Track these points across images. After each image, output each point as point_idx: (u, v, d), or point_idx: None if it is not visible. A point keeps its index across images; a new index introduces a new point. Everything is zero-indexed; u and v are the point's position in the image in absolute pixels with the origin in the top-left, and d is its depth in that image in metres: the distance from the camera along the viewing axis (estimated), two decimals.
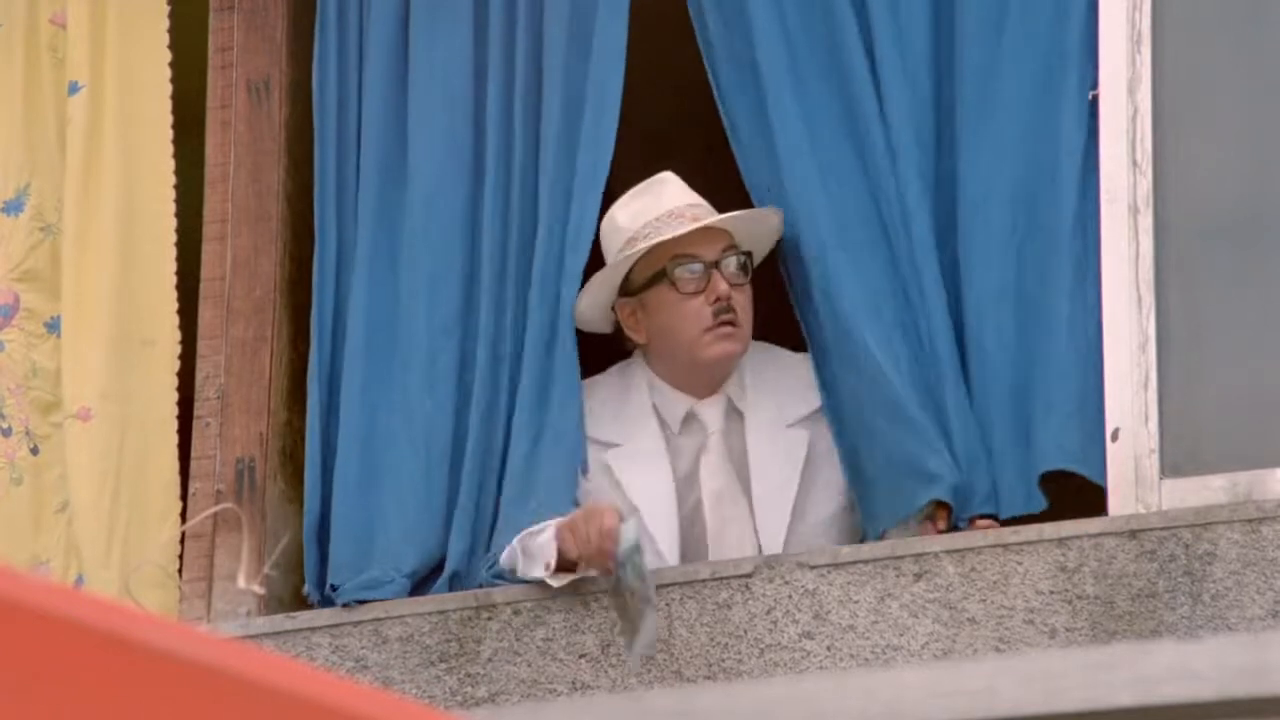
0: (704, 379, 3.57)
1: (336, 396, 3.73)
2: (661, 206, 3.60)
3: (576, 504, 3.50)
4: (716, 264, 3.55)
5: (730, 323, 3.53)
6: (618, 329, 3.64)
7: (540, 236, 3.67)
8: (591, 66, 3.68)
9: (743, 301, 3.54)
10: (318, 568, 3.65)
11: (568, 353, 3.59)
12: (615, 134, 3.64)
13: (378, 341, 3.70)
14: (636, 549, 3.33)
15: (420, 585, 3.59)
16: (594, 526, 3.35)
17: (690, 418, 3.57)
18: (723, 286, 3.53)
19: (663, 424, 3.57)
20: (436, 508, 3.62)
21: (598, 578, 3.43)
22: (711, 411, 3.55)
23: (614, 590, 3.34)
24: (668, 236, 3.55)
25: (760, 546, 3.50)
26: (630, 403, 3.59)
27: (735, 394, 3.57)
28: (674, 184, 3.63)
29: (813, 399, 3.55)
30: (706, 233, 3.56)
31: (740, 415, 3.56)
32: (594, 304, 3.62)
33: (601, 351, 3.72)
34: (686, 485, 3.53)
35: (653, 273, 3.57)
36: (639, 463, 3.54)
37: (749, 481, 3.52)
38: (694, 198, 3.62)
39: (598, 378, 3.64)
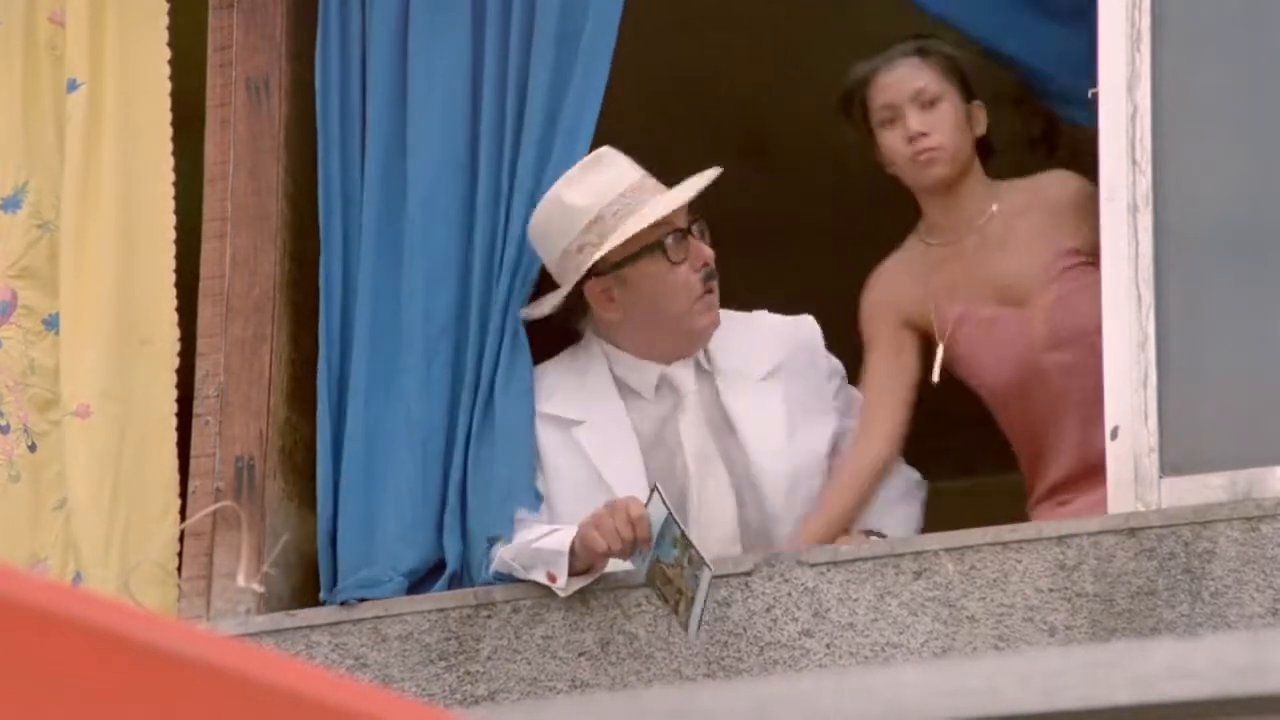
0: (685, 348, 3.58)
1: (343, 397, 3.73)
2: (623, 182, 3.58)
3: (538, 495, 3.51)
4: (689, 230, 3.55)
5: (712, 290, 3.53)
6: (565, 313, 3.61)
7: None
8: (576, 68, 3.68)
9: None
10: (331, 569, 3.66)
11: (521, 342, 3.60)
12: (591, 135, 3.64)
13: (382, 342, 3.71)
14: (670, 521, 3.33)
15: (418, 585, 3.59)
16: (621, 518, 3.34)
17: (663, 382, 3.56)
18: (706, 250, 3.52)
19: (628, 394, 3.56)
20: (432, 508, 3.62)
21: (594, 583, 3.43)
22: (683, 374, 3.56)
23: (653, 574, 3.34)
24: (666, 211, 3.54)
25: (744, 502, 3.51)
26: (588, 379, 3.59)
27: (700, 357, 3.58)
28: (622, 158, 3.61)
29: (777, 354, 3.56)
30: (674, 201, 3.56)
31: (710, 375, 3.56)
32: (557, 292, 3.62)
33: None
34: (666, 449, 3.53)
35: (639, 247, 3.55)
36: (607, 435, 3.54)
37: (725, 440, 3.53)
38: (640, 169, 3.61)
39: (549, 363, 3.64)
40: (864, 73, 3.62)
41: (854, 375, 3.69)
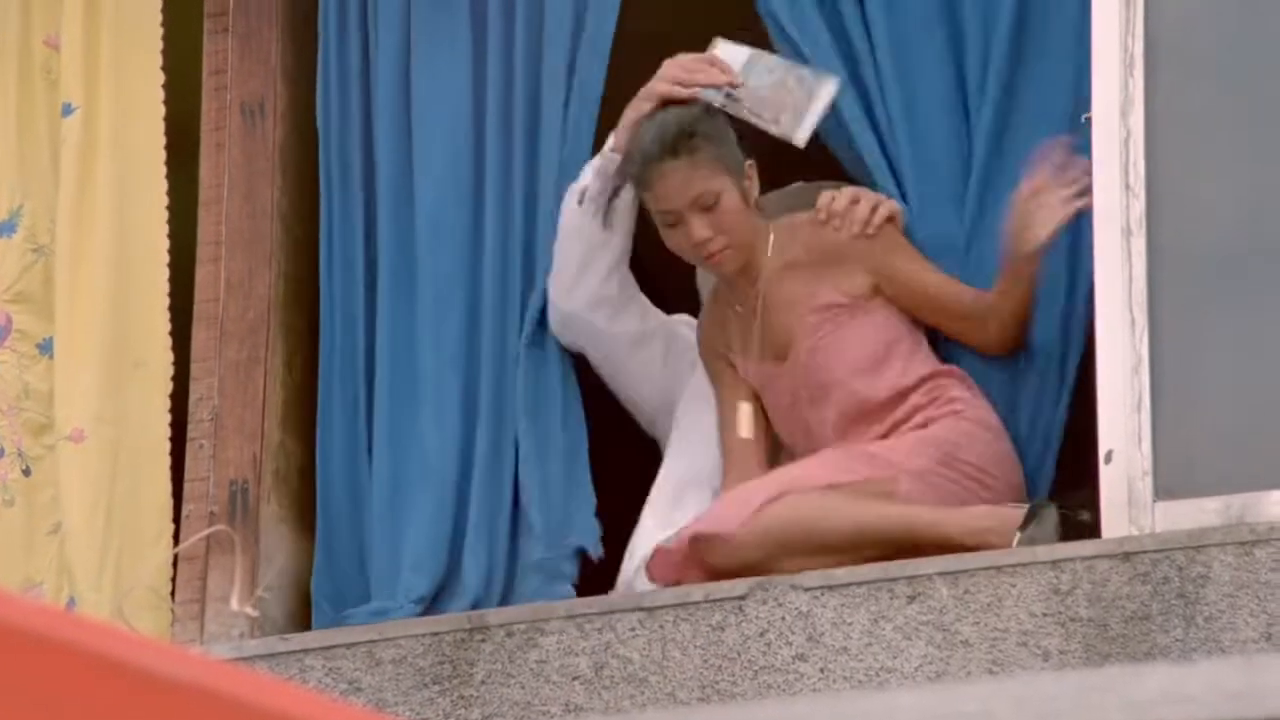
0: None
1: (346, 424, 3.73)
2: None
3: (597, 525, 3.51)
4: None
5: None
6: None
7: (544, 257, 3.68)
8: (573, 86, 3.69)
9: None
10: (335, 595, 3.66)
11: (552, 367, 3.60)
12: (591, 149, 3.65)
13: (400, 372, 3.71)
14: (756, 56, 3.47)
15: (426, 611, 3.60)
16: (689, 64, 3.46)
17: None
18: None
19: None
20: (444, 537, 3.63)
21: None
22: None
23: (736, 105, 3.44)
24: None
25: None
26: None
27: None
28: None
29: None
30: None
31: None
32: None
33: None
34: None
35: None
36: None
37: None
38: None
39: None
40: (636, 175, 3.50)
41: None
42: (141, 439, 3.80)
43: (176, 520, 3.79)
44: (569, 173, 3.68)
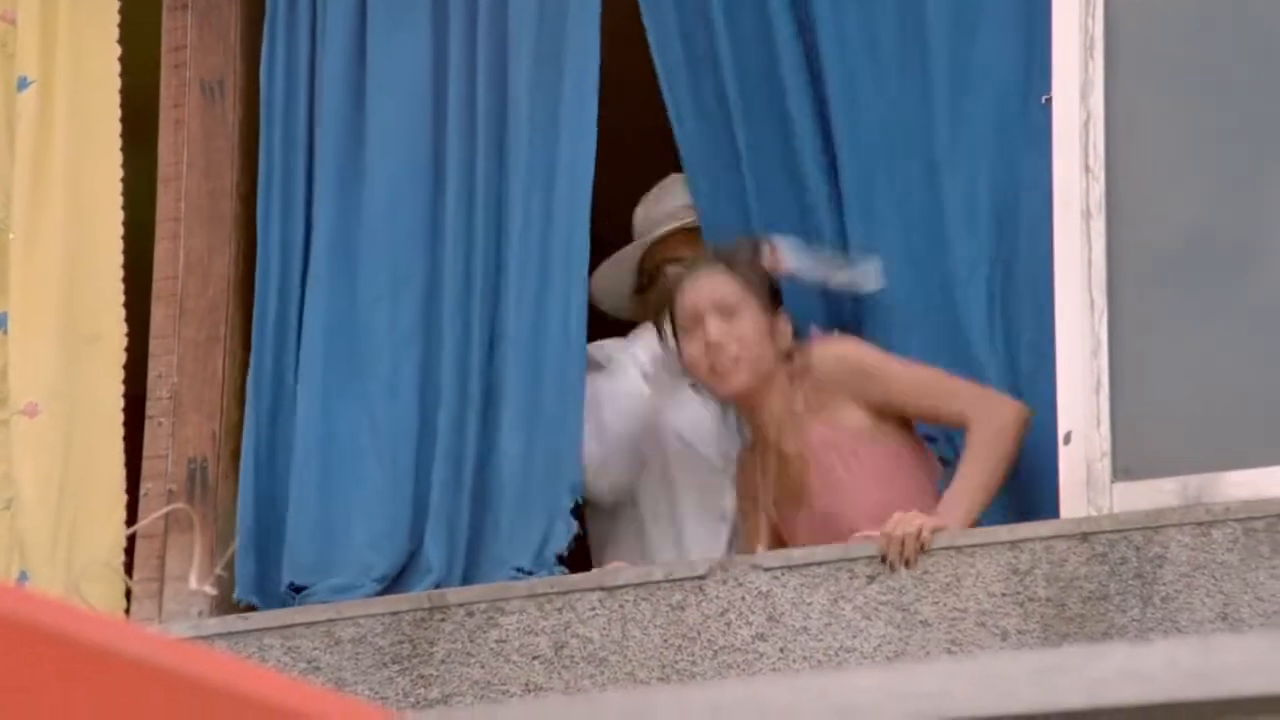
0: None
1: (280, 399, 3.72)
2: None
3: (569, 524, 3.51)
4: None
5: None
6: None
7: (515, 239, 3.65)
8: (566, 65, 3.66)
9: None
10: (254, 571, 3.64)
11: (570, 358, 3.59)
12: (596, 128, 3.63)
13: (337, 347, 3.69)
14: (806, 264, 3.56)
15: (387, 590, 3.59)
16: None
17: None
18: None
19: None
20: (403, 515, 3.62)
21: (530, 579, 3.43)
22: None
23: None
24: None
25: None
26: None
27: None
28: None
29: None
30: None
31: None
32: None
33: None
34: None
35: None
36: None
37: None
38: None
39: None
40: (674, 280, 3.60)
41: None
42: (95, 414, 3.78)
43: (135, 498, 3.78)
44: (536, 154, 3.66)
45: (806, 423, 3.53)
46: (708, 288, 3.55)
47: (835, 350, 3.54)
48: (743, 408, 3.61)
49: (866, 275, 3.57)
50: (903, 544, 3.33)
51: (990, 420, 3.42)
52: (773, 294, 3.57)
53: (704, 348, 3.53)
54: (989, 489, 3.42)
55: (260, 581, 3.62)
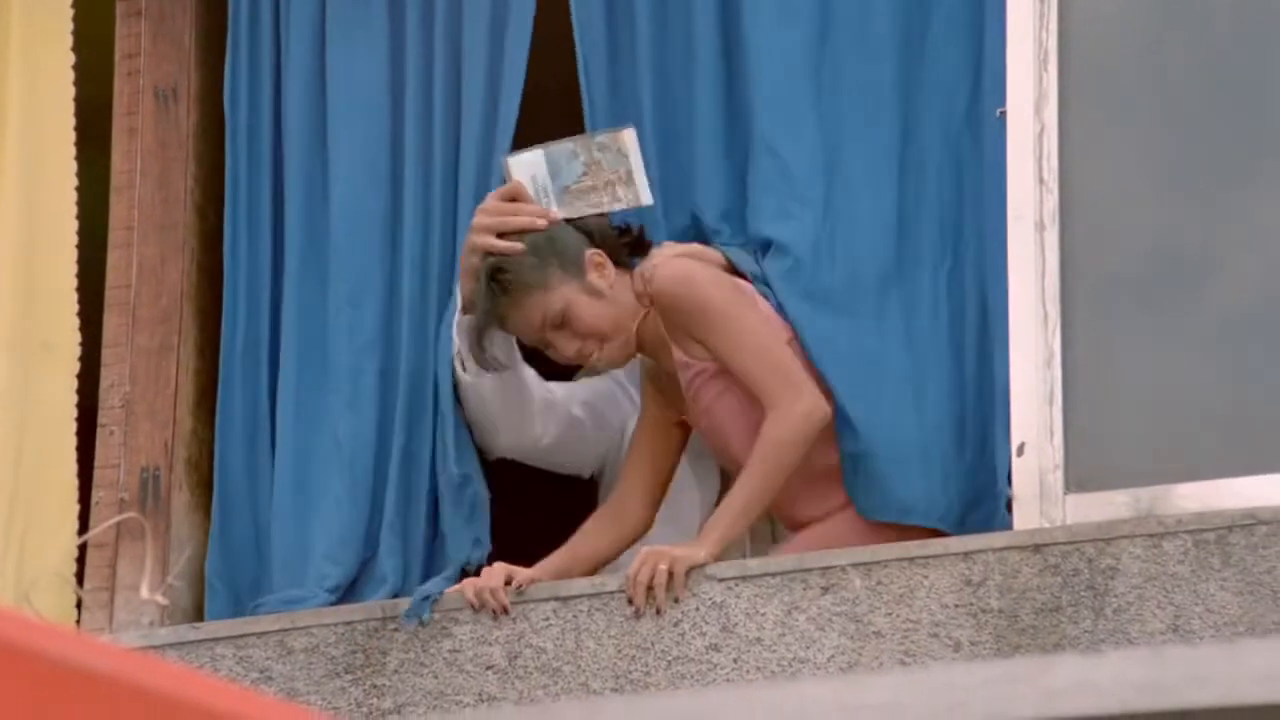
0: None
1: (250, 411, 3.71)
2: None
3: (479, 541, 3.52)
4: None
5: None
6: None
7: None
8: (503, 71, 3.68)
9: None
10: (224, 590, 3.63)
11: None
12: (511, 140, 3.64)
13: (308, 359, 3.69)
14: (554, 152, 3.47)
15: (342, 600, 3.59)
16: (495, 208, 3.45)
17: None
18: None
19: None
20: (359, 524, 3.61)
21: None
22: None
23: (572, 207, 3.46)
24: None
25: None
26: None
27: None
28: None
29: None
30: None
31: None
32: None
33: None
34: None
35: None
36: None
37: None
38: None
39: None
40: (485, 326, 3.45)
41: None
42: (48, 421, 3.77)
43: (87, 506, 3.76)
44: (492, 161, 3.67)
45: (670, 345, 3.48)
46: (524, 322, 3.46)
47: (675, 275, 3.42)
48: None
49: (640, 191, 3.45)
50: (649, 589, 3.28)
51: (777, 425, 3.33)
52: (574, 244, 3.45)
53: (565, 361, 3.50)
54: (750, 513, 3.36)
55: (231, 599, 3.61)
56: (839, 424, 3.42)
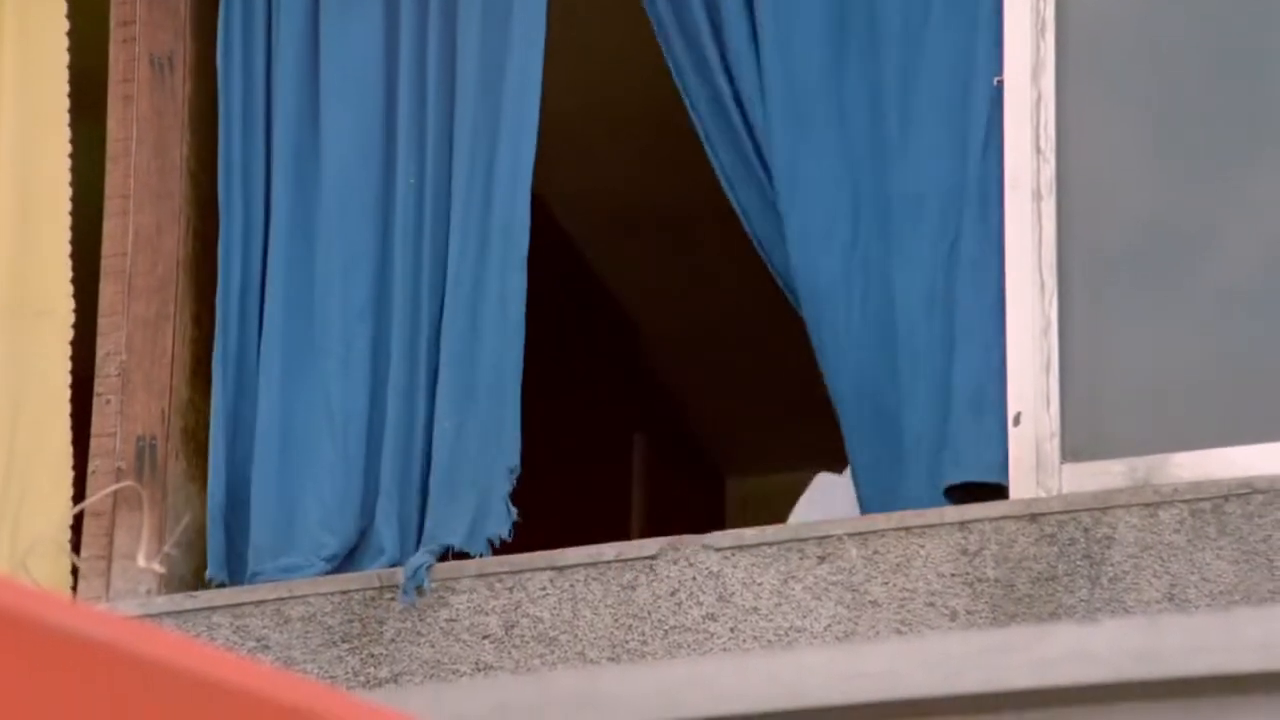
0: None
1: (244, 378, 3.71)
2: None
3: (508, 507, 3.51)
4: None
5: None
6: None
7: (456, 223, 3.66)
8: (511, 50, 3.66)
9: None
10: (224, 549, 3.63)
11: (507, 341, 3.57)
12: (538, 118, 3.62)
13: (295, 325, 3.69)
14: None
15: (339, 569, 3.59)
16: None
17: None
18: None
19: None
20: (354, 493, 3.61)
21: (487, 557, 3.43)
22: None
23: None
24: None
25: None
26: None
27: None
28: None
29: None
30: None
31: None
32: None
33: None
34: None
35: None
36: None
37: None
38: None
39: None
40: None
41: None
42: (43, 389, 3.76)
43: (83, 475, 3.76)
44: (486, 133, 3.66)
45: None
46: None
47: None
48: None
49: None
50: None
51: None
52: None
53: None
54: None
55: (229, 559, 3.62)
56: None
